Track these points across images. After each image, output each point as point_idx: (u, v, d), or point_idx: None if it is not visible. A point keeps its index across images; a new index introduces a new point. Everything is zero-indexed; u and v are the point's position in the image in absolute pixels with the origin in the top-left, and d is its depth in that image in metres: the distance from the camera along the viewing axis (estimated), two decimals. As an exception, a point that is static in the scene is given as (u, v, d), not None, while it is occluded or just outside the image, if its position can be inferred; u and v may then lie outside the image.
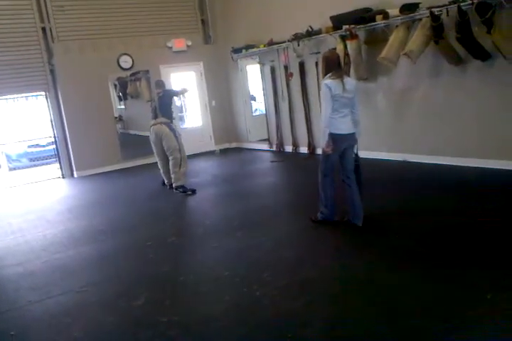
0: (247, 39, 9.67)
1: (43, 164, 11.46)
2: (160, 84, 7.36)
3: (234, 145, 11.14)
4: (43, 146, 11.57)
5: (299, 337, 2.77)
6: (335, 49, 7.40)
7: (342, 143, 4.43)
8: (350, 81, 4.49)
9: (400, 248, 3.94)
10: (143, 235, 5.18)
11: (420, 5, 6.20)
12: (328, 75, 4.36)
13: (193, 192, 6.81)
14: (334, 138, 4.35)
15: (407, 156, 7.01)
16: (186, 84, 9.42)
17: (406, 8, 6.27)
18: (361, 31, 7.11)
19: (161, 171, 7.20)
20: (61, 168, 9.78)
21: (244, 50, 9.66)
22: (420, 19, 6.13)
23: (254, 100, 11.09)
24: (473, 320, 2.72)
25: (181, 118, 10.93)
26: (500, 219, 4.27)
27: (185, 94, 7.94)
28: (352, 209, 4.54)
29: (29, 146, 12.00)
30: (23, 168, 11.88)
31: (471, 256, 3.60)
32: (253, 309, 3.19)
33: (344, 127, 4.41)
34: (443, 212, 4.68)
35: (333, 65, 4.38)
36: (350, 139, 4.48)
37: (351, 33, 7.03)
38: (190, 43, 10.47)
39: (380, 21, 6.70)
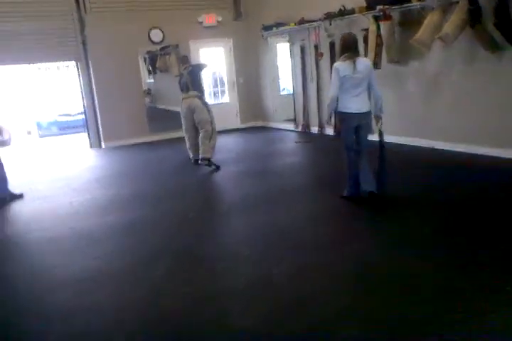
0: (277, 16, 9.54)
1: (72, 133, 11.72)
2: (186, 59, 7.51)
3: (260, 123, 11.14)
4: (73, 116, 11.82)
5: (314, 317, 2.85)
6: (367, 30, 7.35)
7: (352, 121, 4.67)
8: (363, 61, 4.67)
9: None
10: (166, 208, 5.31)
11: (459, -13, 6.02)
12: (343, 57, 4.59)
13: (218, 167, 6.90)
14: (343, 116, 4.69)
15: (435, 143, 6.92)
16: (205, 60, 9.49)
17: (444, -10, 6.10)
18: (395, 12, 6.95)
19: (188, 146, 7.28)
20: (89, 137, 9.97)
21: (274, 28, 9.56)
22: (457, 2, 5.95)
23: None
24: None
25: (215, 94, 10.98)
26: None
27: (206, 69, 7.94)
28: (365, 179, 4.72)
29: (59, 115, 12.26)
30: (52, 135, 12.16)
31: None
32: (268, 288, 3.25)
33: (353, 106, 4.62)
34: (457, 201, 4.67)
35: (349, 47, 4.60)
36: (361, 118, 4.66)
37: (385, 14, 6.88)
38: (220, 19, 10.41)
39: (415, 3, 6.53)
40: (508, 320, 2.62)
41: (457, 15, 5.87)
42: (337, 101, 4.64)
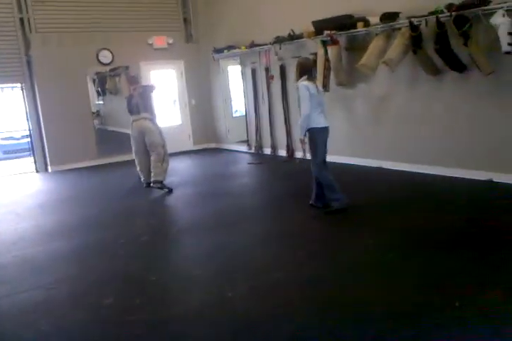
0: (228, 40, 9.69)
1: (16, 157, 11.29)
2: (135, 79, 7.38)
3: (213, 145, 11.13)
4: (18, 139, 11.41)
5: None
6: (315, 54, 7.55)
7: (325, 135, 5.16)
8: (318, 85, 5.22)
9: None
10: (116, 233, 5.15)
11: (400, 14, 6.31)
12: (304, 78, 5.01)
13: (170, 190, 6.79)
14: (317, 131, 5.07)
15: (382, 163, 7.13)
16: (154, 82, 9.45)
17: (386, 17, 6.38)
18: (342, 37, 7.20)
19: (138, 168, 7.14)
20: (35, 161, 9.63)
21: (225, 51, 9.68)
22: (400, 28, 6.25)
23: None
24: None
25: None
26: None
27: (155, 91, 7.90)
28: (319, 191, 5.27)
29: (3, 139, 11.81)
30: (-4, 160, 11.68)
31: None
32: (223, 310, 3.20)
33: (322, 121, 5.12)
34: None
35: (308, 70, 5.10)
36: (328, 132, 5.19)
37: (332, 39, 7.11)
38: (171, 41, 10.44)
39: (360, 28, 6.80)
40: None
41: (400, 41, 6.15)
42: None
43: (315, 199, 5.31)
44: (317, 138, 5.09)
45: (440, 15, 5.66)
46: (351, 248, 4.15)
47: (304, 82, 4.96)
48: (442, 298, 3.09)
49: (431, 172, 6.43)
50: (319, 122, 5.06)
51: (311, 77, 5.10)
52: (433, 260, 3.71)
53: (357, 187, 6.03)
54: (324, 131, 5.12)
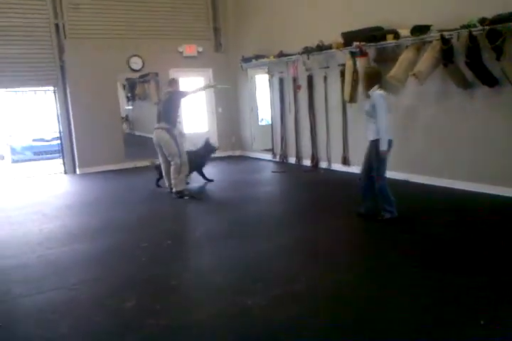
0: (257, 49, 9.76)
1: (46, 158, 11.54)
2: (174, 82, 7.06)
3: (238, 153, 11.18)
4: (48, 141, 11.67)
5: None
6: (344, 65, 7.55)
7: (391, 147, 5.07)
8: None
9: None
10: (139, 236, 5.20)
11: (431, 27, 6.26)
12: (376, 87, 4.96)
13: (192, 197, 6.83)
14: (389, 142, 4.98)
15: (410, 176, 7.03)
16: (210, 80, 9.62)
17: (417, 30, 6.33)
18: (371, 49, 7.18)
19: (164, 173, 7.21)
20: (64, 163, 9.83)
21: (254, 60, 9.75)
22: (430, 41, 6.19)
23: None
24: None
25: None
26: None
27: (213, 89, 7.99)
28: (373, 201, 5.23)
29: (34, 140, 12.10)
30: (26, 160, 11.96)
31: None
32: (242, 318, 3.19)
33: (391, 132, 5.06)
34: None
35: (379, 79, 5.08)
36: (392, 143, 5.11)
37: (361, 50, 7.10)
38: (201, 49, 10.58)
39: (390, 41, 6.77)
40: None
41: (430, 54, 6.09)
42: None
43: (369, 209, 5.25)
44: (388, 150, 5.00)
45: (473, 29, 5.60)
46: (376, 259, 4.10)
47: (380, 92, 4.91)
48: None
49: (461, 188, 6.32)
50: (390, 133, 5.01)
51: (383, 86, 5.05)
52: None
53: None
54: (391, 142, 5.05)
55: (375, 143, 4.98)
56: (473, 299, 3.26)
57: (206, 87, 7.93)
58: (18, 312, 3.48)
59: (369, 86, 5.05)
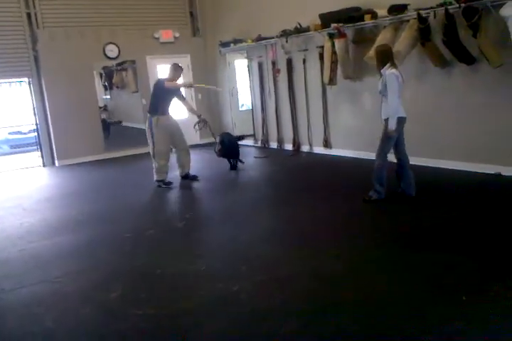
0: (235, 33, 9.63)
1: (24, 151, 11.33)
2: (169, 69, 6.84)
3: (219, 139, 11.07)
4: (25, 134, 11.46)
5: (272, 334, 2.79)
6: (322, 47, 7.50)
7: (403, 124, 5.05)
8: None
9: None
10: (122, 227, 5.15)
11: (408, 6, 6.23)
12: (388, 65, 4.89)
13: (168, 184, 6.77)
14: (401, 120, 4.95)
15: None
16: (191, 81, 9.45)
17: (394, 9, 6.30)
18: (349, 30, 7.13)
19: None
20: (42, 156, 9.66)
21: (232, 45, 9.63)
22: (408, 20, 6.17)
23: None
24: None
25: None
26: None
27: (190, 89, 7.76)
28: (408, 182, 5.18)
29: (10, 133, 11.86)
30: (3, 154, 11.73)
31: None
32: (229, 304, 3.18)
33: (403, 110, 5.00)
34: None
35: (390, 57, 4.96)
36: (405, 121, 5.08)
37: (339, 32, 7.04)
38: (177, 35, 10.39)
39: (368, 21, 6.73)
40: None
41: (408, 33, 6.08)
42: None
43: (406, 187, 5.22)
44: (396, 128, 4.93)
45: (449, 7, 5.59)
46: (362, 244, 4.12)
47: (392, 70, 4.84)
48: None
49: (436, 166, 6.37)
50: (401, 111, 4.95)
51: (395, 64, 4.95)
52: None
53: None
54: (403, 121, 5.01)
55: (387, 122, 4.97)
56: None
57: (193, 86, 7.73)
58: (1, 307, 3.43)
59: (380, 64, 4.99)
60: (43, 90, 9.34)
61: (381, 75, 5.00)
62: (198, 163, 8.96)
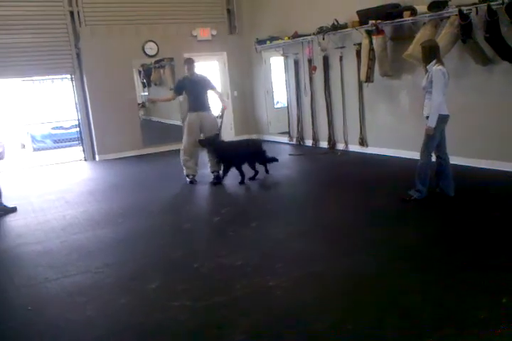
0: (271, 31, 9.65)
1: (66, 146, 11.70)
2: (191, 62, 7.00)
3: (254, 136, 11.16)
4: (67, 129, 11.82)
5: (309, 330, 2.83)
6: (360, 44, 7.44)
7: (446, 122, 4.97)
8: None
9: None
10: (160, 220, 5.30)
11: (449, 3, 6.11)
12: (434, 62, 4.81)
13: (191, 182, 6.86)
14: (443, 118, 4.90)
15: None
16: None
17: (434, 6, 6.19)
18: (388, 27, 7.05)
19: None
20: (83, 150, 9.95)
21: (268, 42, 9.65)
22: (448, 17, 6.05)
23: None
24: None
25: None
26: None
27: None
28: (447, 181, 5.12)
29: (53, 128, 12.25)
30: (47, 149, 12.14)
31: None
32: (264, 300, 3.24)
33: (446, 108, 4.93)
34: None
35: (437, 53, 4.87)
36: (448, 119, 5.00)
37: (377, 28, 6.98)
38: (215, 33, 10.49)
39: (407, 18, 6.64)
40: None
41: (448, 30, 5.97)
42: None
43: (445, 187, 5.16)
44: (437, 125, 4.86)
45: (492, 3, 5.46)
46: (400, 244, 4.11)
47: (439, 67, 4.76)
48: None
49: (476, 166, 6.25)
50: (445, 109, 4.89)
51: (441, 61, 4.87)
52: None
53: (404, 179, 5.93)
54: (446, 119, 4.95)
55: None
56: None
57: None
58: (46, 295, 3.59)
59: (426, 60, 4.91)
60: (84, 86, 9.61)
61: (426, 71, 4.92)
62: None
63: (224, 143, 6.92)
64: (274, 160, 7.04)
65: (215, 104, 7.15)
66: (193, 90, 6.89)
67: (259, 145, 7.02)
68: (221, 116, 7.09)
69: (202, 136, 6.83)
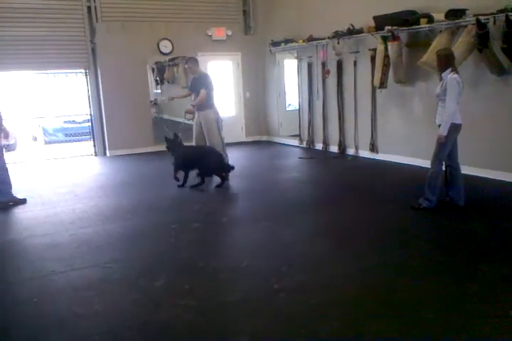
0: (286, 33, 9.67)
1: (77, 140, 11.78)
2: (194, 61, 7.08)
3: (265, 138, 11.19)
4: (79, 123, 11.89)
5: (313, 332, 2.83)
6: (375, 50, 7.44)
7: (459, 131, 4.95)
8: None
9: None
10: (168, 218, 5.31)
11: (467, 11, 6.10)
12: (449, 70, 4.80)
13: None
14: (456, 127, 4.88)
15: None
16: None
17: (452, 14, 6.18)
18: (404, 33, 7.05)
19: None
20: (94, 145, 10.02)
21: (283, 44, 9.67)
22: (465, 26, 6.04)
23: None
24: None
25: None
26: None
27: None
28: (457, 191, 5.09)
29: (65, 122, 12.34)
30: (58, 142, 12.23)
31: None
32: (268, 302, 3.24)
33: (459, 117, 4.91)
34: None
35: (453, 62, 4.87)
36: (461, 128, 4.98)
37: (393, 35, 6.97)
38: (230, 33, 10.53)
39: (424, 25, 6.63)
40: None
41: (465, 39, 5.96)
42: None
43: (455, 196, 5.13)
44: (450, 134, 4.84)
45: (510, 14, 5.44)
46: (409, 252, 4.11)
47: (454, 76, 4.75)
48: None
49: (487, 176, 6.23)
50: (458, 117, 4.88)
51: (456, 69, 4.87)
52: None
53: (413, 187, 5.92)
54: (459, 128, 4.93)
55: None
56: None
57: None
58: (52, 288, 3.61)
59: (441, 68, 4.90)
60: (98, 82, 9.68)
61: (441, 79, 4.91)
62: (243, 160, 9.08)
63: (181, 146, 6.83)
64: (230, 168, 6.68)
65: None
66: (194, 89, 6.97)
67: (214, 155, 6.58)
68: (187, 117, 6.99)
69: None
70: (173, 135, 6.83)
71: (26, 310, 3.29)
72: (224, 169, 6.66)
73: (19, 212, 5.82)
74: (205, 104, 6.95)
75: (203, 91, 6.82)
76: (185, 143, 7.02)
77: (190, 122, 7.55)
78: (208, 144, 7.03)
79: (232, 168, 6.69)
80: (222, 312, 3.13)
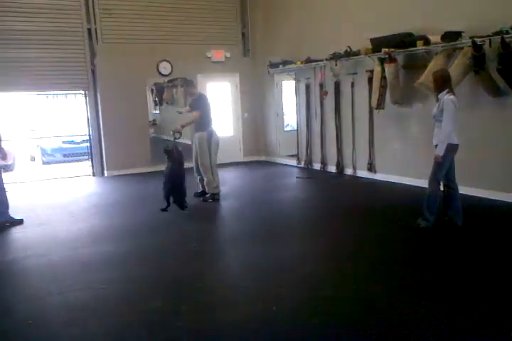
0: (284, 54, 9.79)
1: (75, 160, 11.78)
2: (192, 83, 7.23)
3: (263, 158, 11.21)
4: (77, 143, 11.92)
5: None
6: (372, 71, 7.53)
7: (455, 152, 5.00)
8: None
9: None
10: (165, 239, 5.27)
11: (463, 34, 6.19)
12: (446, 91, 4.87)
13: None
14: (453, 147, 4.93)
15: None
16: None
17: (448, 36, 6.27)
18: (400, 55, 7.14)
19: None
20: (92, 165, 10.01)
21: (281, 66, 9.78)
22: (462, 48, 6.13)
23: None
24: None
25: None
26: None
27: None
28: (456, 211, 5.09)
29: (64, 142, 12.36)
30: (56, 162, 12.23)
31: None
32: (267, 324, 3.19)
33: (457, 138, 4.97)
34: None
35: (449, 83, 4.93)
36: (457, 148, 5.03)
37: (390, 57, 7.06)
38: (228, 55, 10.67)
39: (420, 47, 6.72)
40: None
41: (461, 60, 6.03)
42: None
43: (453, 216, 5.13)
44: (447, 154, 4.89)
45: (505, 36, 5.53)
46: (402, 270, 4.06)
47: (451, 97, 4.82)
48: None
49: (484, 196, 6.22)
50: (455, 139, 4.93)
51: (453, 90, 4.93)
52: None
53: (410, 209, 5.91)
54: (456, 148, 4.98)
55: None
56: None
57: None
58: (48, 309, 3.56)
59: (438, 90, 4.96)
60: (97, 103, 9.74)
61: (437, 100, 4.96)
62: (240, 180, 9.07)
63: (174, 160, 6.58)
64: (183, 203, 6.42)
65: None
66: (193, 109, 7.02)
67: (176, 181, 6.39)
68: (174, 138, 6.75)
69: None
70: (171, 146, 6.61)
71: (22, 331, 3.23)
72: (175, 198, 6.39)
73: (16, 232, 5.77)
74: (200, 126, 6.97)
75: (195, 113, 6.87)
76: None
77: (189, 142, 7.55)
78: (199, 163, 7.01)
79: (186, 207, 6.41)
80: (220, 335, 3.07)
